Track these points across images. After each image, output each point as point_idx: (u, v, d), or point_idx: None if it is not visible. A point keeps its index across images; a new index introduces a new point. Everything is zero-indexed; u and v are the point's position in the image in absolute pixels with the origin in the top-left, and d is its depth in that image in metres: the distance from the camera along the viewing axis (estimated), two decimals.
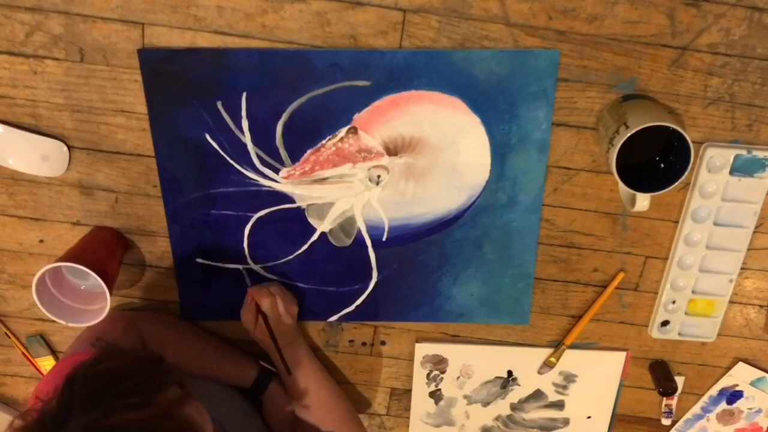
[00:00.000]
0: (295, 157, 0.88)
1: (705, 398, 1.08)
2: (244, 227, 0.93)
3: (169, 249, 0.95)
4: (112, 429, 0.61)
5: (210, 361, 0.97)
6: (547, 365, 1.04)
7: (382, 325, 1.02)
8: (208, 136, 0.87)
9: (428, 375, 1.06)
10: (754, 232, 0.93)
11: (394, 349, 1.04)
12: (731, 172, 0.88)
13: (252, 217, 0.92)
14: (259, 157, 0.88)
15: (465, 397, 1.08)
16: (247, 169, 0.89)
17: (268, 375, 0.98)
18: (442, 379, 1.06)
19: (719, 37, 0.82)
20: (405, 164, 0.89)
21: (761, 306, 1.00)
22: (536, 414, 1.10)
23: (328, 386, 0.99)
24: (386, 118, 0.86)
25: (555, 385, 1.06)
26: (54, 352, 1.05)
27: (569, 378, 1.06)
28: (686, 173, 0.80)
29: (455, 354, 1.03)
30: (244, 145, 0.87)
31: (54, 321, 0.88)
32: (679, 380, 1.05)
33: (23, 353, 1.04)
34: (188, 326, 1.00)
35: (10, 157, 0.89)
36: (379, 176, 0.90)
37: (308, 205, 0.92)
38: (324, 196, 0.91)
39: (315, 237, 0.94)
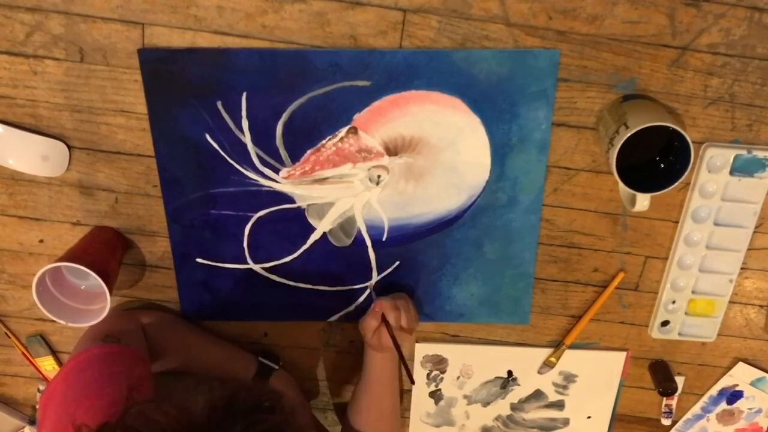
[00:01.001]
0: (295, 157, 0.88)
1: (705, 398, 1.08)
2: (244, 227, 0.93)
3: (169, 249, 0.95)
4: None
5: (210, 357, 0.97)
6: (547, 365, 1.04)
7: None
8: (208, 136, 0.87)
9: (428, 375, 1.06)
10: (754, 232, 0.93)
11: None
12: (731, 172, 0.88)
13: (252, 217, 0.92)
14: (259, 157, 0.88)
15: (465, 397, 1.08)
16: (247, 169, 0.89)
17: (267, 370, 0.98)
18: (442, 379, 1.06)
19: (719, 37, 0.82)
20: (405, 164, 0.89)
21: (761, 306, 1.00)
22: (536, 414, 1.10)
23: (394, 409, 1.01)
24: (386, 118, 0.86)
25: (555, 385, 1.06)
26: (54, 352, 1.05)
27: (569, 378, 1.06)
28: (686, 173, 0.80)
29: (455, 354, 1.03)
30: (244, 145, 0.87)
31: (54, 321, 0.87)
32: (679, 380, 1.05)
33: (23, 353, 1.04)
34: (187, 324, 1.00)
35: (10, 157, 0.89)
36: (379, 176, 0.90)
37: (308, 205, 0.92)
38: (324, 196, 0.91)
39: (315, 237, 0.94)
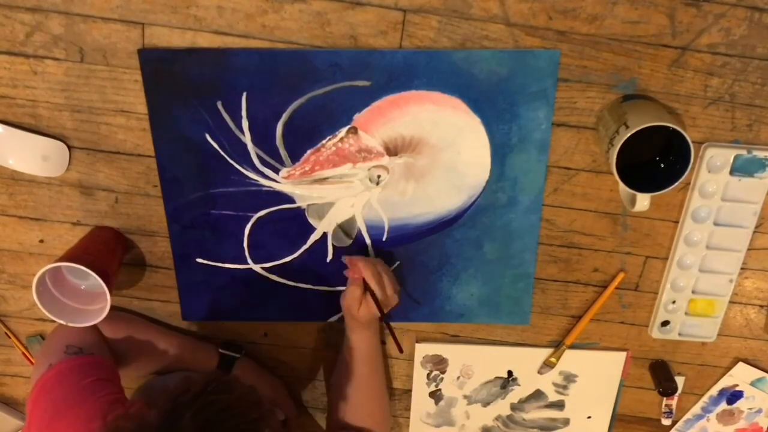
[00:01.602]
0: (295, 157, 0.88)
1: (705, 398, 1.08)
2: (244, 227, 0.93)
3: (169, 249, 0.95)
4: None
5: (171, 353, 0.97)
6: (547, 365, 1.04)
7: (382, 325, 1.02)
8: (208, 136, 0.87)
9: (428, 375, 1.06)
10: (754, 232, 0.93)
11: (394, 348, 1.04)
12: (731, 172, 0.88)
13: (252, 217, 0.92)
14: (259, 157, 0.88)
15: (465, 397, 1.08)
16: (247, 169, 0.89)
17: (229, 360, 0.98)
18: (442, 379, 1.06)
19: (719, 37, 0.82)
20: (405, 164, 0.89)
21: (761, 306, 1.00)
22: (536, 414, 1.10)
23: (383, 385, 0.99)
24: (386, 118, 0.86)
25: (555, 385, 1.06)
26: None
27: (569, 378, 1.06)
28: (686, 173, 0.80)
29: (455, 354, 1.03)
30: (244, 145, 0.87)
31: (54, 321, 0.87)
32: (679, 380, 1.05)
33: (23, 353, 1.04)
34: (144, 322, 0.99)
35: (10, 157, 0.89)
36: (379, 176, 0.90)
37: (308, 205, 0.92)
38: (324, 196, 0.91)
39: (315, 237, 0.94)
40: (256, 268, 0.96)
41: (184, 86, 0.84)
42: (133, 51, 0.83)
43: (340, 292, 0.97)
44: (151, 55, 0.83)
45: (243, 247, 0.94)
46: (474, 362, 1.04)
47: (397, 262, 0.96)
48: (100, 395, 0.78)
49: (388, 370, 1.06)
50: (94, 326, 0.90)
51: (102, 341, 0.90)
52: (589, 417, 1.10)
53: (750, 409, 1.09)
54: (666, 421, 1.11)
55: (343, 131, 0.87)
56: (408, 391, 1.08)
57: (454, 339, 1.03)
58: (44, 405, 0.78)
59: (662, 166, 0.85)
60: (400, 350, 0.92)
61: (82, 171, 0.90)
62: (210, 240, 0.94)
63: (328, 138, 0.87)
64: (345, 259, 0.92)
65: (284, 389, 1.04)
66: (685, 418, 1.11)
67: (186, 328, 1.02)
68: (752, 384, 1.06)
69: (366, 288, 0.89)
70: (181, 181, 0.90)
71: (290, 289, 0.97)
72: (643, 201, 0.84)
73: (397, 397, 1.09)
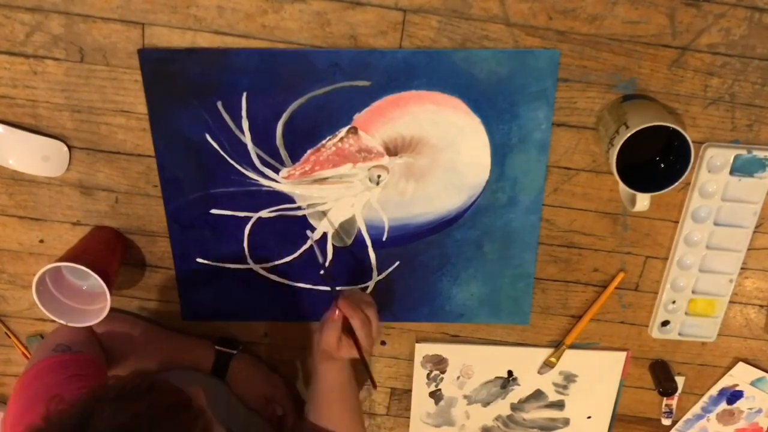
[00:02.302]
0: (295, 157, 0.88)
1: (705, 398, 1.08)
2: (244, 227, 0.93)
3: (169, 249, 0.95)
4: None
5: (166, 352, 0.97)
6: (548, 365, 1.04)
7: (382, 325, 1.02)
8: (208, 136, 0.87)
9: (428, 375, 1.06)
10: (754, 232, 0.93)
11: (394, 349, 1.04)
12: (731, 172, 0.88)
13: (252, 217, 0.92)
14: (259, 157, 0.88)
15: (465, 397, 1.08)
16: (247, 169, 0.89)
17: (226, 357, 0.97)
18: (442, 379, 1.06)
19: (719, 37, 0.82)
20: (405, 164, 0.89)
21: (761, 306, 1.00)
22: (536, 414, 1.10)
23: (359, 409, 0.95)
24: (386, 118, 0.86)
25: (555, 385, 1.06)
26: None
27: (569, 378, 1.06)
28: (686, 173, 0.80)
29: (455, 354, 1.03)
30: (244, 145, 0.87)
31: (54, 321, 0.87)
32: (679, 380, 1.05)
33: (23, 353, 1.04)
34: (138, 321, 0.99)
35: (10, 157, 0.89)
36: (379, 176, 0.90)
37: (308, 205, 0.92)
38: (324, 196, 0.91)
39: (315, 237, 0.94)
40: (256, 268, 0.96)
41: (184, 86, 0.84)
42: (133, 51, 0.83)
43: (340, 292, 0.97)
44: (151, 55, 0.83)
45: (243, 247, 0.94)
46: (474, 362, 1.04)
47: (397, 262, 0.96)
48: (70, 389, 0.75)
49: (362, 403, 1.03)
50: (88, 329, 0.90)
51: (93, 339, 0.90)
52: (589, 417, 1.10)
53: (750, 409, 1.09)
54: (666, 421, 1.11)
55: (343, 131, 0.87)
56: (408, 391, 1.08)
57: (454, 339, 1.03)
58: (20, 399, 0.78)
59: (662, 166, 0.85)
60: (375, 387, 0.91)
61: (82, 171, 0.90)
62: (210, 240, 0.94)
63: (328, 138, 0.87)
64: (339, 302, 0.86)
65: (283, 385, 1.04)
66: (685, 418, 1.11)
67: (184, 327, 1.02)
68: (752, 384, 1.06)
69: (345, 326, 0.85)
70: (181, 181, 0.90)
71: (290, 289, 0.97)
72: (643, 201, 0.84)
73: (397, 397, 1.09)
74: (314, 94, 0.85)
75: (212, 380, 0.96)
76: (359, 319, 0.84)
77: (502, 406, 1.09)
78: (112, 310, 0.93)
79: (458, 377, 1.06)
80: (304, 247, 0.94)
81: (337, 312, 0.86)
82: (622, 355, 1.04)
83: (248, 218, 0.92)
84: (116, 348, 0.93)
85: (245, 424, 0.93)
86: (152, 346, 0.97)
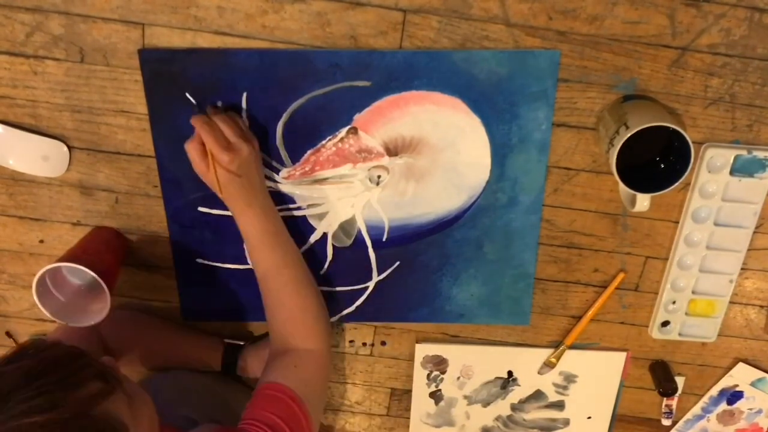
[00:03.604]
0: (295, 157, 0.88)
1: (705, 399, 1.08)
2: None
3: (169, 249, 0.95)
4: None
5: (174, 348, 0.97)
6: (548, 365, 1.04)
7: (382, 325, 1.02)
8: None
9: (428, 375, 1.05)
10: (755, 232, 0.93)
11: (394, 349, 1.04)
12: (731, 173, 0.88)
13: None
14: None
15: (465, 397, 1.08)
16: None
17: (234, 350, 0.97)
18: (442, 379, 1.06)
19: (719, 37, 0.82)
20: (405, 164, 0.89)
21: (761, 306, 1.00)
22: (536, 414, 1.10)
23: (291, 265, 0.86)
24: (386, 118, 0.86)
25: (555, 385, 1.06)
26: None
27: (569, 378, 1.06)
28: (686, 173, 0.80)
29: (455, 354, 1.03)
30: None
31: (54, 321, 0.87)
32: (680, 380, 1.05)
33: None
34: (146, 317, 0.99)
35: (11, 157, 0.89)
36: (379, 176, 0.90)
37: (308, 206, 0.92)
38: (324, 197, 0.91)
39: (315, 237, 0.94)
40: None
41: (184, 86, 0.84)
42: (134, 51, 0.83)
43: (340, 292, 0.98)
44: (151, 55, 0.83)
45: (243, 248, 0.94)
46: (474, 362, 1.04)
47: (397, 263, 0.96)
48: None
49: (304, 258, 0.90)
50: (94, 330, 0.90)
51: (93, 337, 0.90)
52: (589, 417, 1.10)
53: (750, 409, 1.09)
54: (666, 422, 1.11)
55: (343, 131, 0.87)
56: (408, 392, 1.08)
57: (454, 339, 1.03)
58: None
59: (662, 166, 0.85)
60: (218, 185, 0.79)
61: (82, 171, 0.90)
62: (210, 240, 0.94)
63: (328, 138, 0.87)
64: (192, 118, 0.80)
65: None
66: (685, 418, 1.11)
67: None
68: (752, 384, 1.06)
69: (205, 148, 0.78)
70: (181, 181, 0.90)
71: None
72: (643, 201, 0.84)
73: (397, 397, 1.09)
74: (314, 94, 0.85)
75: (206, 381, 0.96)
76: (206, 126, 0.78)
77: (502, 407, 1.09)
78: (117, 308, 0.93)
79: (458, 378, 1.06)
80: (304, 247, 0.94)
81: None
82: (622, 356, 1.04)
83: None
84: (122, 349, 0.93)
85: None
86: (156, 342, 0.97)
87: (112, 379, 0.66)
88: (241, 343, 0.99)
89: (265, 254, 0.85)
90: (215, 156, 0.78)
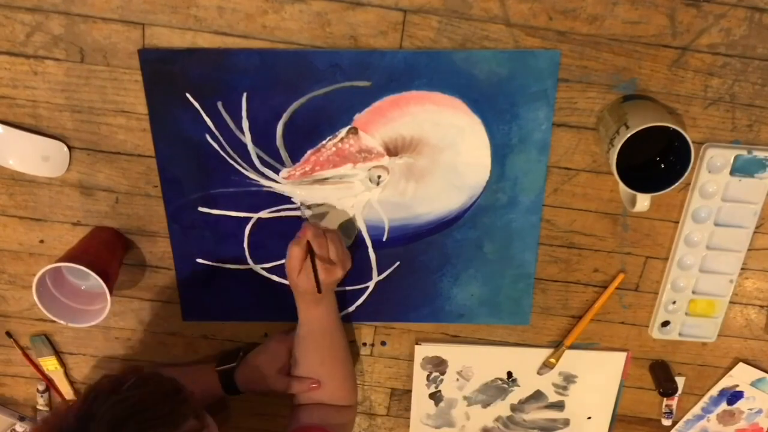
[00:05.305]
0: (295, 157, 0.88)
1: (705, 399, 1.08)
2: (245, 227, 0.93)
3: (169, 249, 0.95)
4: None
5: None
6: (547, 366, 1.04)
7: (382, 325, 1.02)
8: (208, 137, 0.87)
9: (428, 376, 1.05)
10: (755, 232, 0.93)
11: (394, 349, 1.04)
12: (731, 173, 0.88)
13: (252, 217, 0.92)
14: (259, 157, 0.88)
15: (465, 398, 1.08)
16: (247, 170, 0.89)
17: (228, 374, 0.96)
18: (442, 380, 1.06)
19: (720, 37, 0.82)
20: (405, 164, 0.89)
21: (761, 306, 1.00)
22: (536, 415, 1.10)
23: (340, 358, 0.95)
24: (387, 118, 0.86)
25: (555, 385, 1.06)
26: (57, 353, 1.04)
27: (569, 378, 1.06)
28: (686, 174, 0.80)
29: (455, 355, 1.03)
30: (245, 146, 0.87)
31: (54, 321, 0.88)
32: (680, 381, 1.05)
33: (23, 353, 1.04)
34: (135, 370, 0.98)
35: (11, 157, 0.89)
36: (379, 177, 0.90)
37: (308, 206, 0.92)
38: (324, 197, 0.91)
39: None
40: (256, 268, 0.96)
41: (184, 86, 0.84)
42: (134, 51, 0.83)
43: (340, 292, 0.97)
44: (151, 55, 0.83)
45: (243, 248, 0.94)
46: (474, 363, 1.04)
47: (397, 263, 0.96)
48: None
49: (351, 349, 1.00)
50: None
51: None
52: (589, 418, 1.10)
53: (750, 409, 1.09)
54: (666, 422, 1.11)
55: (343, 131, 0.87)
56: (408, 392, 1.08)
57: (454, 339, 1.03)
58: None
59: (662, 166, 0.85)
60: (319, 290, 0.86)
61: (82, 171, 0.90)
62: (210, 240, 0.94)
63: (328, 138, 0.87)
64: (304, 225, 0.88)
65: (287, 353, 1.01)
66: (685, 418, 1.11)
67: (182, 331, 1.02)
68: (752, 384, 1.06)
69: (308, 250, 0.85)
70: (181, 181, 0.90)
71: (290, 289, 0.97)
72: (644, 201, 0.84)
73: (397, 397, 1.09)
74: (314, 94, 0.85)
75: None
76: (315, 235, 0.85)
77: (502, 407, 1.09)
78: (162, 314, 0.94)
79: (458, 378, 1.06)
80: None
81: (301, 234, 0.86)
82: (622, 356, 1.04)
83: (248, 218, 0.92)
84: None
85: None
86: None
87: (202, 417, 0.71)
88: (233, 364, 0.97)
89: (318, 347, 0.93)
90: (318, 270, 0.84)
